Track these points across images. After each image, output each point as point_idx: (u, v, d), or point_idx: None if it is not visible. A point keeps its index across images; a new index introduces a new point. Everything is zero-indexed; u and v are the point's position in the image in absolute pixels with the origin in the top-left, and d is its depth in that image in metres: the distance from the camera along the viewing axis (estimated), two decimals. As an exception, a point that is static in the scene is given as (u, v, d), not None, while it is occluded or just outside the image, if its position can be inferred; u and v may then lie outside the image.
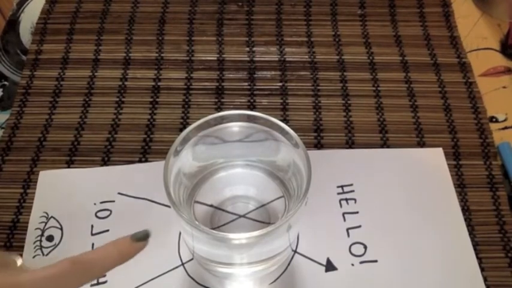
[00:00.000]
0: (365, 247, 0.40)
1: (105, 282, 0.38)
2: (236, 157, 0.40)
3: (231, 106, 0.48)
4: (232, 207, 0.40)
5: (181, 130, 0.46)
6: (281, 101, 0.48)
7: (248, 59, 0.51)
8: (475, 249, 0.40)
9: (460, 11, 0.55)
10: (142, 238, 0.30)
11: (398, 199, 0.42)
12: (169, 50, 0.52)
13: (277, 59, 0.51)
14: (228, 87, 0.49)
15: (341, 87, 0.49)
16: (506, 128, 0.47)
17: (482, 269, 0.39)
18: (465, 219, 0.41)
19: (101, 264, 0.28)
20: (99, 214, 0.41)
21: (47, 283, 0.26)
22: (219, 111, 0.42)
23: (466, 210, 0.42)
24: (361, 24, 0.54)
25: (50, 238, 0.40)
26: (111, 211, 0.41)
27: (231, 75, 0.50)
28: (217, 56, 0.52)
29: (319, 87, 0.49)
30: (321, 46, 0.52)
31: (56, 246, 0.40)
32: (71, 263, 0.27)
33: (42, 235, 0.40)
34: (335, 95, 0.49)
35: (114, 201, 0.42)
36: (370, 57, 0.51)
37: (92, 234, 0.40)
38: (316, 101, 0.48)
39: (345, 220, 0.41)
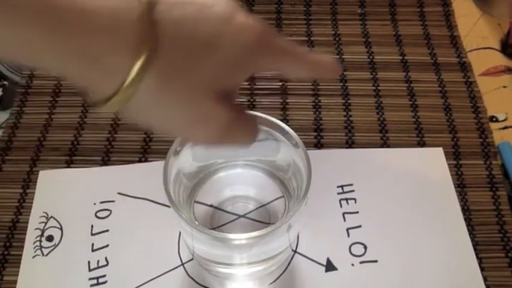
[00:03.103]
0: (365, 247, 0.40)
1: (105, 282, 0.38)
2: (236, 157, 0.40)
3: (231, 106, 0.48)
4: (232, 207, 0.40)
5: (181, 130, 0.46)
6: (281, 100, 0.48)
7: (248, 58, 0.51)
8: (475, 249, 0.40)
9: (460, 10, 0.55)
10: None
11: (398, 199, 0.42)
12: (169, 50, 0.52)
13: (277, 58, 0.51)
14: (228, 87, 0.49)
15: (341, 86, 0.49)
16: (506, 127, 0.47)
17: (482, 269, 0.39)
18: (465, 219, 0.41)
19: (323, 63, 0.29)
20: (99, 214, 0.41)
21: (294, 52, 0.27)
22: (219, 111, 0.42)
23: (466, 210, 0.42)
24: (361, 23, 0.54)
25: (50, 238, 0.40)
26: (111, 211, 0.41)
27: (231, 75, 0.50)
28: (217, 55, 0.51)
29: (319, 87, 0.49)
30: (320, 45, 0.52)
31: (56, 246, 0.40)
32: (309, 51, 0.29)
33: (42, 235, 0.40)
34: (335, 94, 0.49)
35: (114, 201, 0.42)
36: (370, 57, 0.51)
37: (92, 234, 0.40)
38: (316, 101, 0.48)
39: (345, 220, 0.41)
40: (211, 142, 0.26)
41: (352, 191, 0.42)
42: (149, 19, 0.22)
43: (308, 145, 0.45)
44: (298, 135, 0.35)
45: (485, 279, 0.38)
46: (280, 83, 0.49)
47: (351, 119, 0.47)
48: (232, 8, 0.24)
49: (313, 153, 0.43)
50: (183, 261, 0.39)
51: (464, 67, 0.50)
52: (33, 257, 0.39)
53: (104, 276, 0.38)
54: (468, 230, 0.41)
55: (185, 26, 0.23)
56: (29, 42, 0.21)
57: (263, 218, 0.39)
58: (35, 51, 0.22)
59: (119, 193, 0.42)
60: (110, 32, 0.22)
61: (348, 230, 0.41)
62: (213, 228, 0.38)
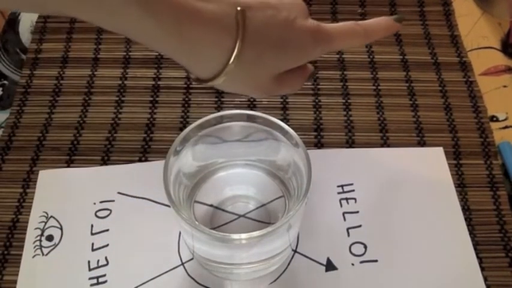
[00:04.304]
0: (365, 247, 0.40)
1: (105, 282, 0.38)
2: (236, 157, 0.40)
3: (231, 105, 0.48)
4: (232, 207, 0.40)
5: (181, 129, 0.46)
6: (281, 100, 0.48)
7: (248, 58, 0.51)
8: (475, 249, 0.40)
9: (461, 9, 0.55)
10: (400, 19, 0.35)
11: (398, 199, 0.42)
12: (169, 49, 0.52)
13: (277, 58, 0.51)
14: (228, 87, 0.49)
15: (341, 86, 0.49)
16: (506, 127, 0.47)
17: (482, 269, 0.39)
18: (465, 219, 0.41)
19: (375, 27, 0.34)
20: (99, 214, 0.41)
21: (342, 34, 0.33)
22: (219, 111, 0.42)
23: (466, 209, 0.42)
24: (361, 23, 0.54)
25: (50, 238, 0.40)
26: (110, 211, 0.41)
27: (231, 74, 0.50)
28: (217, 55, 0.51)
29: (319, 86, 0.49)
30: (321, 45, 0.52)
31: (55, 245, 0.40)
32: (356, 24, 0.34)
33: (42, 235, 0.40)
34: (335, 94, 0.49)
35: (113, 200, 0.42)
36: (371, 56, 0.51)
37: (92, 234, 0.40)
38: (316, 100, 0.48)
39: (345, 220, 0.41)
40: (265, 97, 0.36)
41: (352, 190, 0.42)
42: (243, 24, 0.29)
43: (308, 145, 0.45)
44: (298, 135, 0.35)
45: (485, 279, 0.38)
46: (280, 83, 0.49)
47: (351, 118, 0.47)
48: (294, 13, 0.31)
49: (313, 153, 0.43)
50: (183, 261, 0.39)
51: (465, 67, 0.50)
52: (33, 256, 0.39)
53: (103, 275, 0.38)
54: (468, 230, 0.41)
55: (259, 33, 0.30)
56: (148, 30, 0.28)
57: (263, 218, 0.39)
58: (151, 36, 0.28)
59: (119, 193, 0.42)
60: (212, 27, 0.28)
61: (348, 229, 0.40)
62: (213, 228, 0.38)
